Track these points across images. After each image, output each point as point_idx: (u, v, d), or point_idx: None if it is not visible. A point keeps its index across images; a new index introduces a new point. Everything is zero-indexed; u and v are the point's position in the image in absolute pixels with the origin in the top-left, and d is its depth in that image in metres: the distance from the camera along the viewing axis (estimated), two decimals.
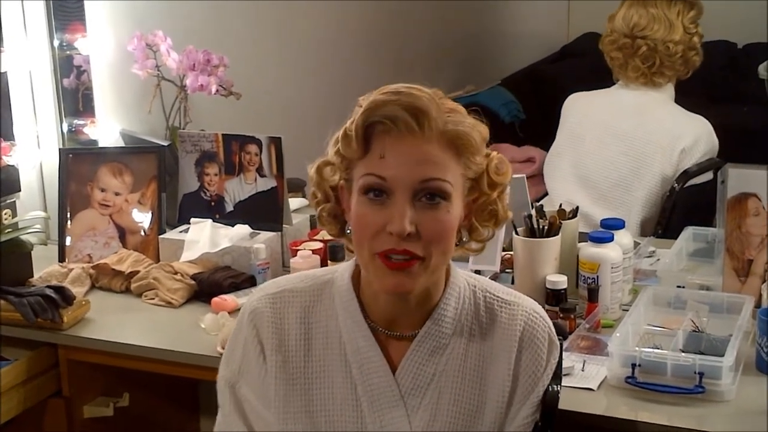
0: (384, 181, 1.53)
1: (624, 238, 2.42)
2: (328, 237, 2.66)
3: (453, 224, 1.57)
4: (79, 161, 2.89)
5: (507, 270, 2.53)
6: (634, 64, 3.12)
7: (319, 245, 2.65)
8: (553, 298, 2.30)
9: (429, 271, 1.56)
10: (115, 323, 2.50)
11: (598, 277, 2.32)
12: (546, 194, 3.36)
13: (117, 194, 2.86)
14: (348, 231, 1.63)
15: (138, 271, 2.66)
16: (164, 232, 2.83)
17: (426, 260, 1.54)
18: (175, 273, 2.62)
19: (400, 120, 1.52)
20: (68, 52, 3.09)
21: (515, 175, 2.69)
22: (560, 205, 2.52)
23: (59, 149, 2.97)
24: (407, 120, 1.52)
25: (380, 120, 1.53)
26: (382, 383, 1.63)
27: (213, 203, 2.85)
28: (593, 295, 2.31)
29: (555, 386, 1.68)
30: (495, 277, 2.48)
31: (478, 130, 1.59)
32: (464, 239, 1.65)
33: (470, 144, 1.56)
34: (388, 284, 1.56)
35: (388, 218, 1.52)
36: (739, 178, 2.32)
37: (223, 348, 2.22)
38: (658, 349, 2.08)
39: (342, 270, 1.69)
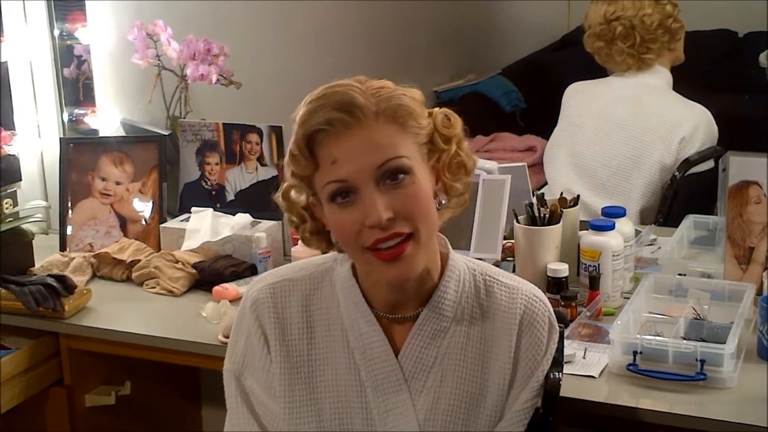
0: (345, 182, 1.53)
1: (625, 226, 2.42)
2: None
3: (426, 194, 1.57)
4: (79, 151, 2.89)
5: (508, 258, 2.52)
6: (617, 48, 3.15)
7: None
8: (554, 286, 2.30)
9: (422, 245, 1.56)
10: (117, 312, 2.51)
11: (599, 265, 2.32)
12: (547, 183, 3.36)
13: (118, 183, 2.87)
14: (335, 242, 1.64)
15: (139, 260, 2.66)
16: (165, 221, 2.83)
17: (415, 234, 1.54)
18: (176, 262, 2.62)
19: (334, 120, 1.52)
20: (68, 42, 3.09)
21: (517, 164, 2.70)
22: (561, 194, 2.52)
23: (60, 139, 2.98)
24: (340, 117, 1.52)
25: (317, 128, 1.53)
26: (386, 367, 1.63)
27: (214, 192, 2.85)
28: (594, 283, 2.31)
29: (556, 373, 1.68)
30: (496, 266, 2.47)
31: (410, 96, 1.59)
32: (443, 201, 1.64)
33: (408, 111, 1.56)
34: (390, 276, 1.57)
35: (363, 214, 1.53)
36: (741, 166, 2.32)
37: (224, 336, 2.24)
38: (659, 336, 2.08)
39: (342, 257, 1.69)
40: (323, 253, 1.71)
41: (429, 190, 1.58)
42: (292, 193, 1.64)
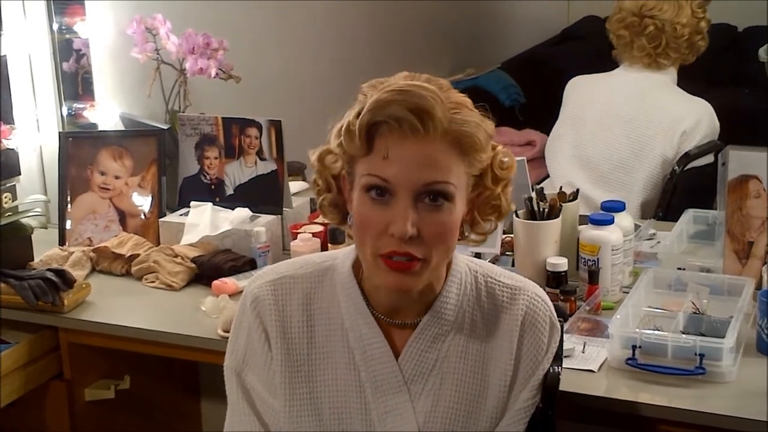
0: (387, 182, 1.51)
1: (624, 220, 2.42)
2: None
3: (456, 224, 1.55)
4: (78, 145, 2.89)
5: (507, 253, 2.53)
6: (640, 43, 3.13)
7: (319, 228, 2.64)
8: (553, 281, 2.30)
9: (430, 270, 1.56)
10: (116, 306, 2.50)
11: (598, 259, 2.32)
12: (546, 177, 3.36)
13: (117, 178, 2.86)
14: (350, 222, 1.62)
15: (138, 255, 2.66)
16: (164, 215, 2.83)
17: (427, 261, 1.54)
18: (176, 256, 2.62)
19: (405, 121, 1.49)
20: (67, 36, 3.08)
21: (516, 158, 2.69)
22: (560, 188, 2.52)
23: (59, 133, 2.97)
24: (412, 121, 1.49)
25: (385, 120, 1.50)
26: (386, 369, 1.63)
27: (213, 186, 2.85)
28: (594, 277, 2.31)
29: (556, 368, 1.68)
30: (495, 260, 2.48)
31: (483, 128, 1.56)
32: (466, 233, 1.64)
33: (475, 144, 1.54)
34: (390, 283, 1.55)
35: (390, 219, 1.51)
36: (740, 161, 2.32)
37: (224, 331, 2.23)
38: (658, 330, 2.08)
39: (343, 257, 1.69)
40: (334, 224, 1.70)
41: (459, 222, 1.57)
42: (329, 158, 1.61)
